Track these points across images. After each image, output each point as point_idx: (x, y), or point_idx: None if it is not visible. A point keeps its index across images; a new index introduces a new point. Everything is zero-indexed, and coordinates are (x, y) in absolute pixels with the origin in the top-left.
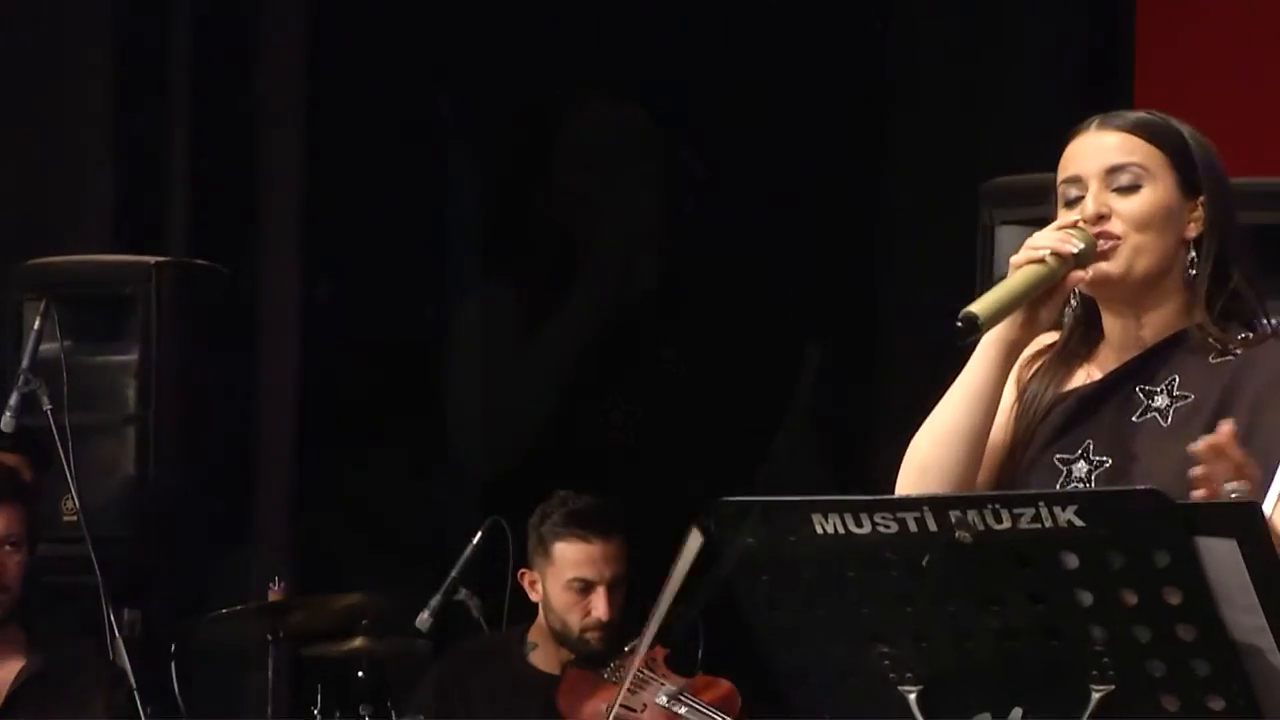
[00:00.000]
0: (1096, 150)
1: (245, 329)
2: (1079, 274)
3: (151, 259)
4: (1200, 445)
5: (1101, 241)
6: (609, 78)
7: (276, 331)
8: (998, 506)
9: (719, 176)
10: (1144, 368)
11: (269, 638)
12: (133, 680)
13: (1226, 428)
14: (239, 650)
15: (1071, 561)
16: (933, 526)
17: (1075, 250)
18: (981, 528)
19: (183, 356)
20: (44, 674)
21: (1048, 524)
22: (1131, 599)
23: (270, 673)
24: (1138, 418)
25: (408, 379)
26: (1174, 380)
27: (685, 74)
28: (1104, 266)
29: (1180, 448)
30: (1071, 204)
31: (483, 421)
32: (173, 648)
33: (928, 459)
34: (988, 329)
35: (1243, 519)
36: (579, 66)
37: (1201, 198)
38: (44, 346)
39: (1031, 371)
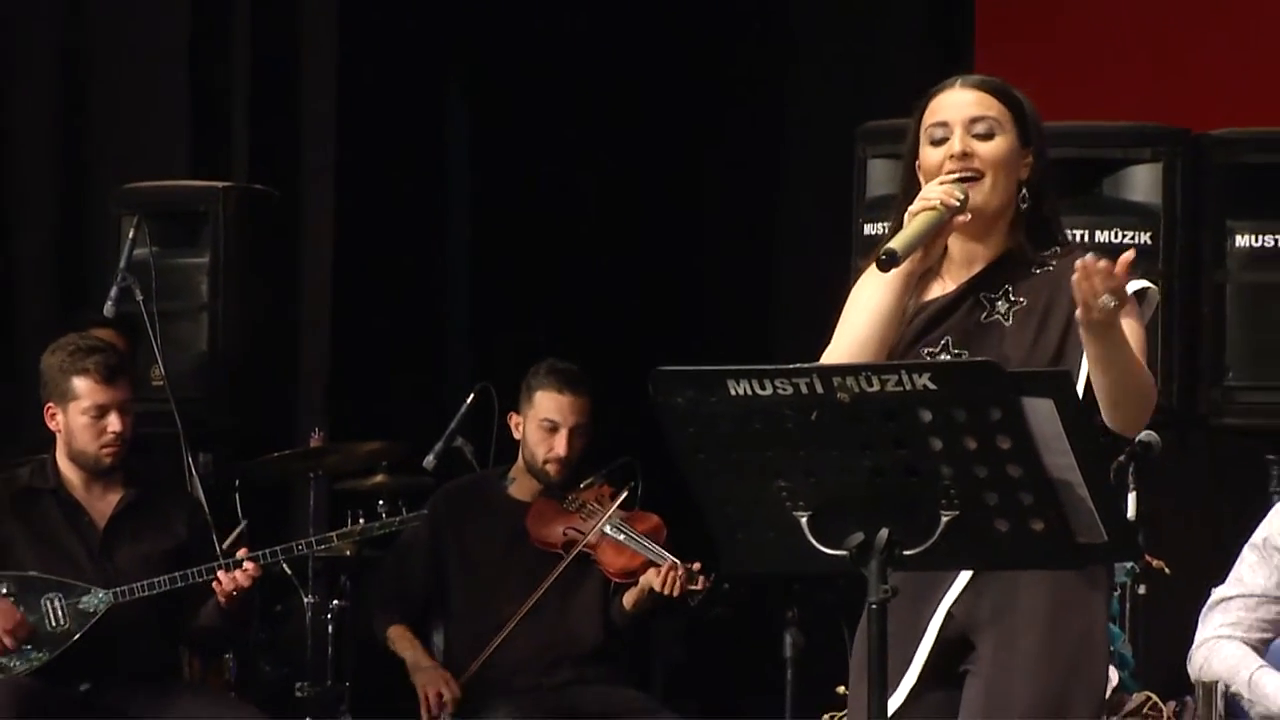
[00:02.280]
0: (960, 104)
1: (291, 238)
2: (962, 218)
3: (220, 184)
4: (1077, 264)
5: (968, 183)
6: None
7: (315, 241)
8: (870, 374)
9: (652, 110)
10: (985, 280)
11: (310, 475)
12: (206, 507)
13: (1128, 255)
14: (287, 485)
15: (926, 416)
16: (820, 389)
17: (958, 203)
18: (857, 390)
19: (243, 259)
20: (138, 502)
21: (908, 387)
22: (972, 445)
23: (311, 502)
24: (985, 319)
25: (419, 285)
26: (1009, 288)
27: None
28: (972, 199)
29: (1018, 340)
30: (937, 143)
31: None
32: (236, 483)
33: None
34: (903, 260)
35: (1058, 383)
36: None
37: (1031, 148)
38: (137, 251)
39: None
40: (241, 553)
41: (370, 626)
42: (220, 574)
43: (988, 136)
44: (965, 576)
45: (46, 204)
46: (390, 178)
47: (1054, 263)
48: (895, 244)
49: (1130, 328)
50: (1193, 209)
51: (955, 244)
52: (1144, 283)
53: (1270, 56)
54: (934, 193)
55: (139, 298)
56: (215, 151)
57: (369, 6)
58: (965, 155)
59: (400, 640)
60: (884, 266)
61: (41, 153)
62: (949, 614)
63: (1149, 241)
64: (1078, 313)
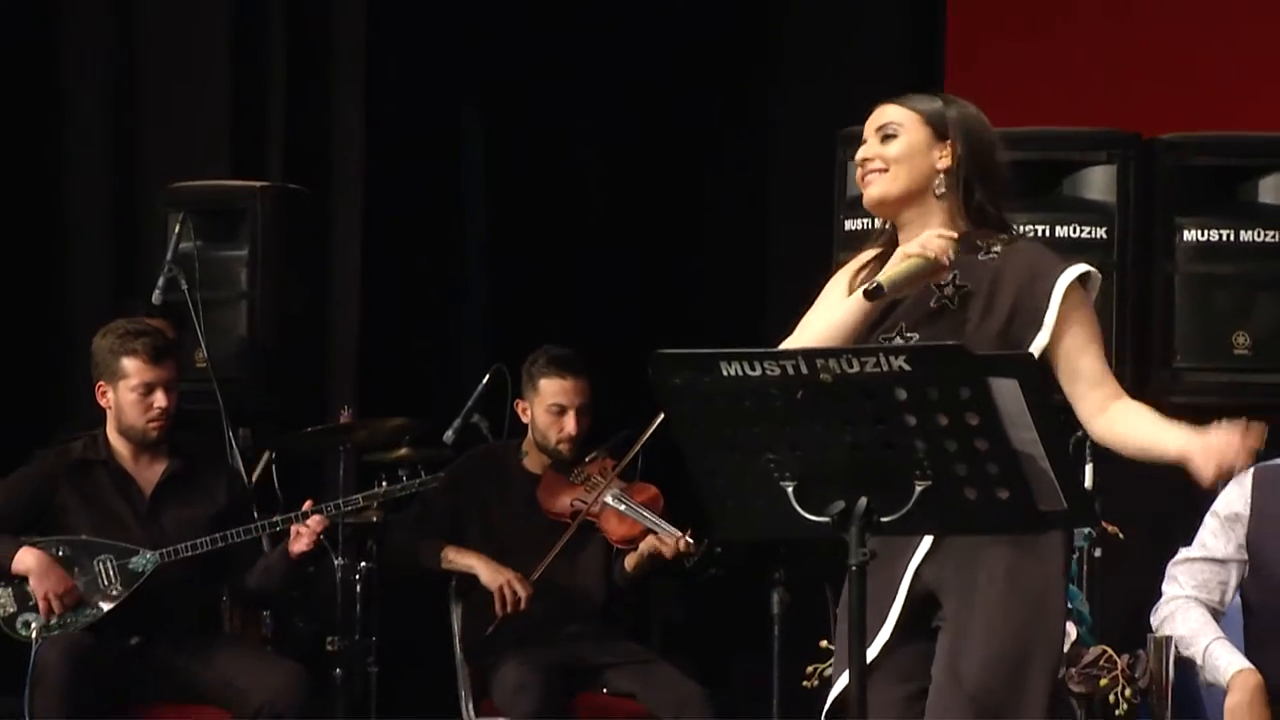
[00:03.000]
0: (875, 119)
1: (323, 233)
2: (945, 274)
3: (258, 183)
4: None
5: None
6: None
7: (345, 236)
8: (850, 356)
9: (654, 118)
10: None
11: (340, 448)
12: (245, 476)
13: (1260, 427)
14: (319, 457)
15: (902, 394)
16: (804, 370)
17: (947, 262)
18: (839, 371)
19: (279, 252)
20: (182, 472)
21: (885, 368)
22: (943, 420)
23: (341, 473)
24: (934, 304)
25: (439, 275)
26: (955, 274)
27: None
28: (876, 188)
29: (965, 323)
30: None
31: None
32: (273, 455)
33: None
34: (888, 296)
35: (1022, 365)
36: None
37: (949, 140)
38: (182, 245)
39: (859, 278)
40: (307, 505)
41: (415, 563)
42: (298, 527)
43: (890, 138)
44: (929, 541)
45: (100, 202)
46: (413, 178)
47: (997, 250)
48: (884, 280)
49: (1087, 318)
50: (1144, 207)
51: (906, 238)
52: (1086, 267)
53: (1214, 67)
54: (933, 246)
55: (184, 287)
56: (253, 154)
57: (393, 26)
58: (865, 160)
59: (458, 554)
60: (870, 297)
61: (96, 155)
62: (916, 574)
63: (1104, 236)
64: (1199, 469)
